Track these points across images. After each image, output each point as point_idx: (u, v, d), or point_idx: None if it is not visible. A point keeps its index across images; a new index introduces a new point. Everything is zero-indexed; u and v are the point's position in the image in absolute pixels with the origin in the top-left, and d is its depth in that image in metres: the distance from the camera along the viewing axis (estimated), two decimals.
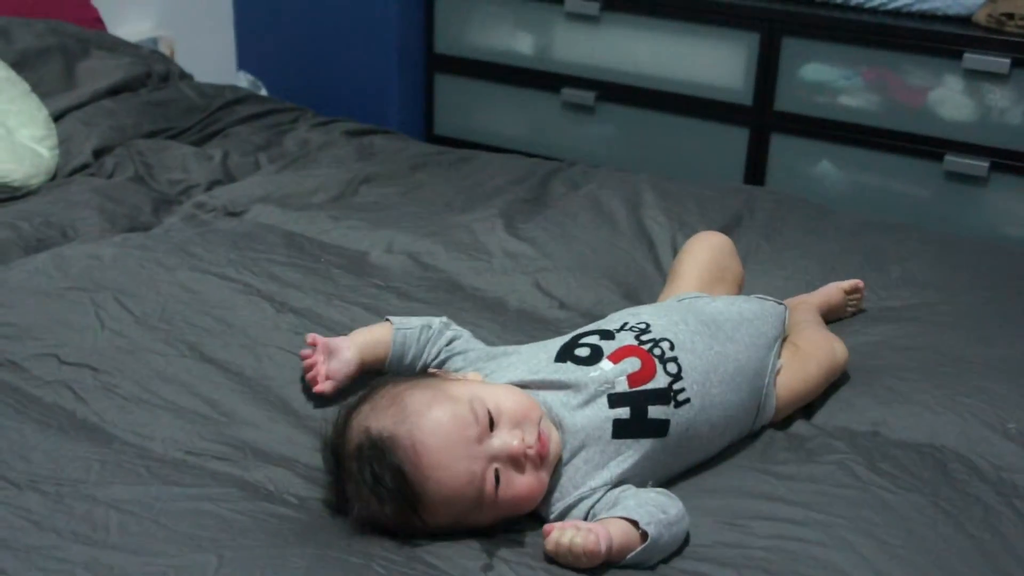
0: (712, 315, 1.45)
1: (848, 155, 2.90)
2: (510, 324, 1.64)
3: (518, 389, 1.28)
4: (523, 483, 1.20)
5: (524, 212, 2.02)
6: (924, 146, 2.78)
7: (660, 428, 1.29)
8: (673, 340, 1.36)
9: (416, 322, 1.44)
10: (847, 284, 1.73)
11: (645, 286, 1.80)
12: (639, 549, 1.16)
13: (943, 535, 1.21)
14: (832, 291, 1.72)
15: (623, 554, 1.16)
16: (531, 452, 1.19)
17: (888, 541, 1.19)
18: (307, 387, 1.43)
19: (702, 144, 3.06)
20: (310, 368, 1.41)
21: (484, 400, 1.20)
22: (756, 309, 1.51)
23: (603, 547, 1.13)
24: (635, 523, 1.16)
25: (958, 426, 1.41)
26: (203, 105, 2.55)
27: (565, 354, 1.33)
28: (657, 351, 1.34)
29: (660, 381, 1.31)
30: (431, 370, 1.37)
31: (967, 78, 2.69)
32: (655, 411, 1.29)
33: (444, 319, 1.46)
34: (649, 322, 1.39)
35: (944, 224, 2.63)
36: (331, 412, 1.39)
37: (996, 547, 1.21)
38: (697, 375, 1.34)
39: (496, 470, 1.18)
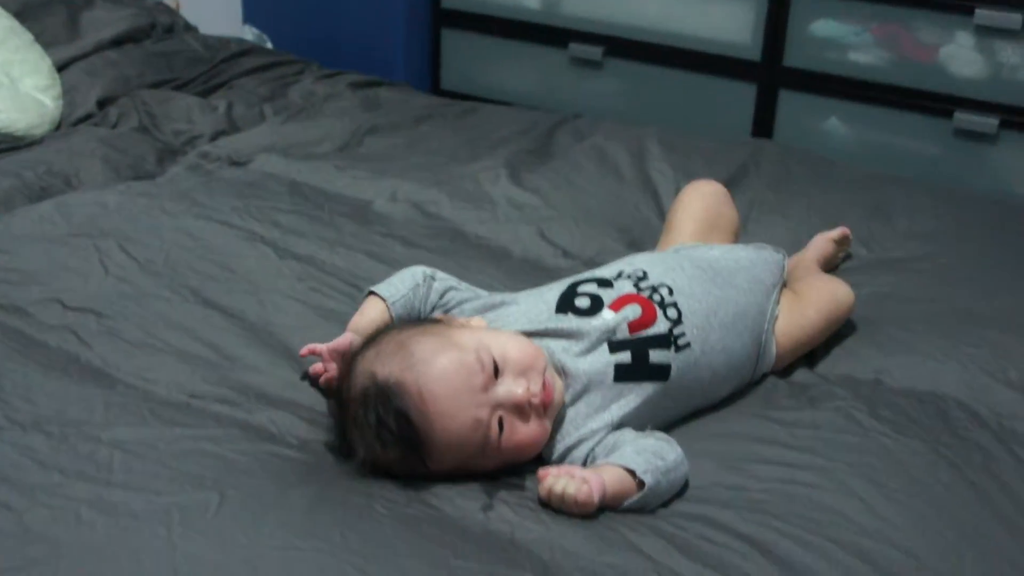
0: (709, 261, 1.46)
1: (857, 112, 2.87)
2: (514, 272, 1.64)
3: (523, 337, 1.27)
4: (526, 431, 1.20)
5: (529, 162, 2.01)
6: (934, 103, 2.75)
7: (662, 372, 1.29)
8: (672, 286, 1.36)
9: (405, 286, 1.39)
10: (835, 233, 1.74)
11: (649, 236, 1.80)
12: (636, 498, 1.16)
13: (942, 480, 1.21)
14: (823, 243, 1.72)
15: (618, 501, 1.16)
16: (535, 401, 1.19)
17: (887, 485, 1.20)
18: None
19: (710, 100, 3.04)
20: (330, 382, 1.32)
21: (490, 348, 1.20)
22: (753, 256, 1.51)
23: (596, 497, 1.13)
24: (632, 472, 1.17)
25: (960, 375, 1.41)
26: (208, 57, 2.55)
27: (565, 305, 1.33)
28: (657, 297, 1.34)
29: (661, 327, 1.32)
30: (436, 315, 1.36)
31: (979, 34, 2.66)
32: (656, 355, 1.30)
33: (426, 271, 1.41)
34: (647, 269, 1.39)
35: (953, 182, 2.61)
36: None
37: (995, 492, 1.21)
38: (697, 319, 1.34)
39: (500, 418, 1.18)
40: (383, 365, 1.19)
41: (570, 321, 1.31)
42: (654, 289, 1.35)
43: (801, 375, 1.46)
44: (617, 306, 1.32)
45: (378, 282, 1.41)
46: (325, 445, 1.27)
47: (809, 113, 2.93)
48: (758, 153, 2.09)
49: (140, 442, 1.21)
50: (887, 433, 1.29)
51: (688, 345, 1.32)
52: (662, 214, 1.87)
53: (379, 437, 1.17)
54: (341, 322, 1.48)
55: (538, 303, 1.35)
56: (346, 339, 1.32)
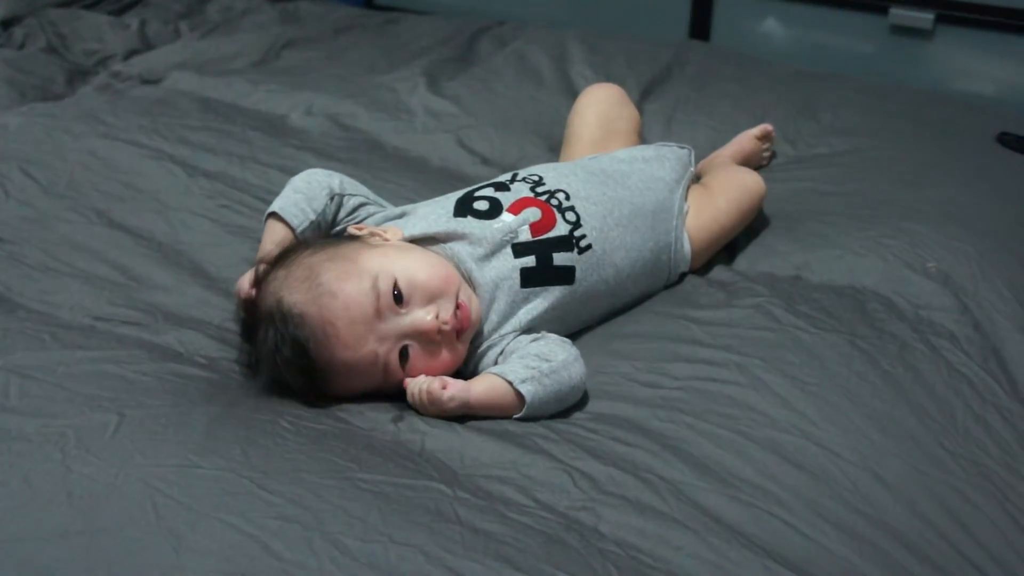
0: (601, 166, 1.45)
1: (793, 11, 2.82)
2: (432, 182, 1.61)
3: (437, 258, 1.23)
4: (434, 362, 1.17)
5: (448, 71, 1.97)
6: None
7: (567, 275, 1.28)
8: (568, 190, 1.35)
9: (312, 209, 1.32)
10: (757, 131, 1.72)
11: None
12: (522, 413, 1.13)
13: (857, 371, 1.21)
14: (744, 140, 1.70)
15: (493, 409, 1.13)
16: (446, 328, 1.15)
17: (802, 379, 1.19)
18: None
19: (646, 5, 2.98)
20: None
21: (395, 274, 1.15)
22: (651, 155, 1.50)
23: (448, 394, 1.10)
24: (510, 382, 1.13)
25: (879, 267, 1.40)
26: None
27: (464, 209, 1.30)
28: (554, 201, 1.33)
29: (561, 229, 1.30)
30: (353, 228, 1.30)
31: None
32: (560, 258, 1.28)
33: (332, 182, 1.35)
34: (542, 175, 1.38)
35: (890, 79, 2.56)
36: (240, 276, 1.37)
37: (908, 381, 1.20)
38: (595, 221, 1.33)
39: (406, 347, 1.15)
40: (290, 292, 1.15)
41: (470, 224, 1.28)
42: (551, 194, 1.34)
43: (721, 273, 1.45)
44: (516, 209, 1.30)
45: None
46: (235, 362, 1.24)
47: (745, 15, 2.88)
48: (683, 54, 2.05)
49: (38, 367, 1.17)
50: (804, 328, 1.28)
51: (590, 247, 1.31)
52: None
53: (280, 363, 1.14)
54: (252, 238, 1.45)
55: (436, 209, 1.33)
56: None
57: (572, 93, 1.89)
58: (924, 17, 2.63)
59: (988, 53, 2.62)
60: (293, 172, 1.56)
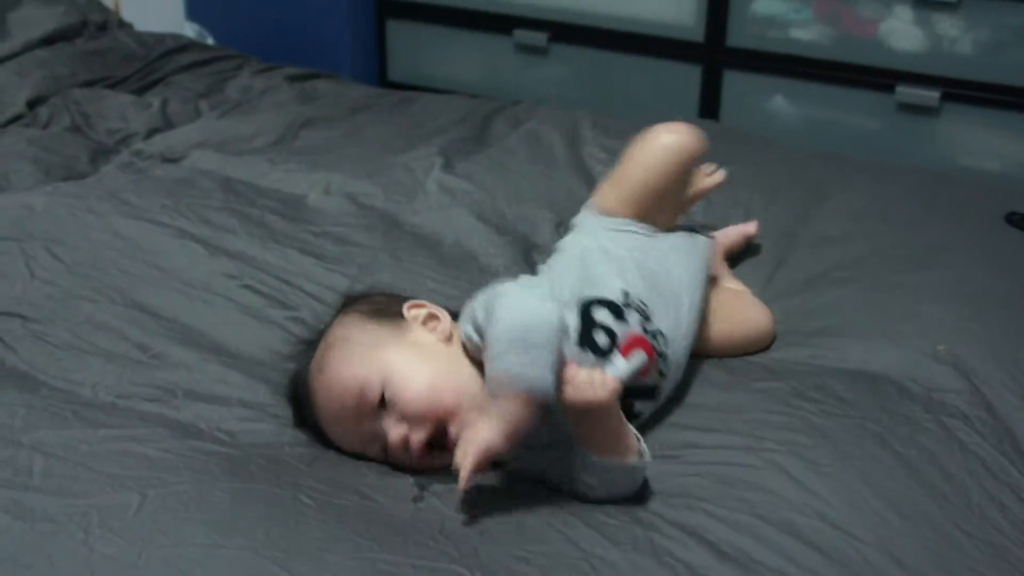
0: (672, 288, 1.38)
1: (801, 90, 2.88)
2: (447, 258, 1.63)
3: (446, 378, 1.18)
4: (418, 464, 1.19)
5: (463, 151, 2.00)
6: (876, 78, 2.76)
7: (636, 417, 1.27)
8: (666, 335, 1.32)
9: None
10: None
11: None
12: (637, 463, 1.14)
13: (870, 453, 1.21)
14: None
15: (612, 438, 1.13)
16: (414, 453, 1.17)
17: (816, 460, 1.19)
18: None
19: (656, 83, 3.04)
20: None
21: (387, 380, 1.17)
22: (696, 265, 1.45)
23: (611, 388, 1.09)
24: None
25: (890, 353, 1.40)
26: (143, 54, 2.51)
27: (584, 339, 1.24)
28: (658, 347, 1.29)
29: (650, 379, 1.27)
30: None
31: (917, 8, 2.67)
32: (638, 406, 1.27)
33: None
34: (647, 303, 1.31)
35: (897, 156, 2.62)
36: (260, 355, 1.39)
37: (922, 462, 1.21)
38: (671, 375, 1.32)
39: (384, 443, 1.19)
40: (319, 346, 1.25)
41: (589, 360, 1.23)
42: (655, 335, 1.30)
43: (729, 360, 1.45)
44: (627, 349, 1.25)
45: (310, 276, 1.48)
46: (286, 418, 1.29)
47: (754, 92, 2.94)
48: None
49: (62, 445, 1.19)
50: (814, 411, 1.28)
51: (659, 395, 1.31)
52: None
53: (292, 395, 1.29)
54: (272, 321, 1.47)
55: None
56: None
57: (584, 172, 1.92)
58: (930, 95, 2.69)
59: (995, 130, 2.66)
60: (312, 253, 1.60)
